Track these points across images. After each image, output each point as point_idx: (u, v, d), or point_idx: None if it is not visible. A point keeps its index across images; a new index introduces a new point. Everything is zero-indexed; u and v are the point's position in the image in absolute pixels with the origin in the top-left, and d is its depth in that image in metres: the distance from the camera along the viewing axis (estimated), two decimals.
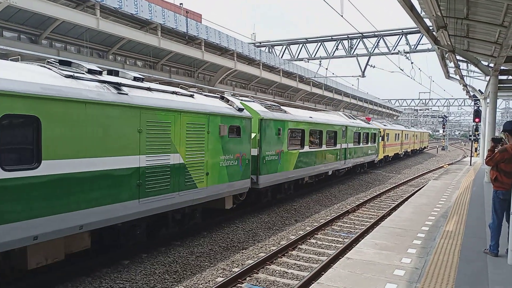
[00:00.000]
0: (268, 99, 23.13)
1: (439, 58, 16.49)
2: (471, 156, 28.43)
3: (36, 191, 5.90)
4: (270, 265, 8.48)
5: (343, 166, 20.42)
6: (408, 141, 40.24)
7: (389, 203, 16.09)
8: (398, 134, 35.17)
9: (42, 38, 15.11)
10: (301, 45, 29.37)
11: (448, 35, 11.31)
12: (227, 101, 11.39)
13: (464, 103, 65.62)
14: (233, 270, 8.10)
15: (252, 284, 7.47)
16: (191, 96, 9.76)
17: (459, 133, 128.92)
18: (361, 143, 23.16)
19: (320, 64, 26.95)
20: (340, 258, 6.75)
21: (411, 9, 9.10)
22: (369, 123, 26.10)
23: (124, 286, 7.15)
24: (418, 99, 67.61)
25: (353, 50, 27.58)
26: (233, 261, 8.67)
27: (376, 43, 26.97)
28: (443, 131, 68.26)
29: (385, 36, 26.90)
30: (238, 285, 7.39)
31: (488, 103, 19.26)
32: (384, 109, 62.71)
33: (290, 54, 29.77)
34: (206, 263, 8.64)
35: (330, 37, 28.52)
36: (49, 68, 6.82)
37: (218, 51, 20.41)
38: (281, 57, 28.78)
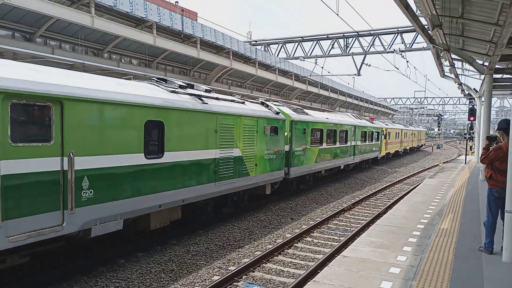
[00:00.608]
0: (293, 103, 25.06)
1: (434, 57, 16.54)
2: (466, 155, 28.58)
3: (161, 173, 8.40)
4: (266, 263, 8.48)
5: (353, 161, 22.90)
6: (407, 139, 42.38)
7: (384, 201, 16.15)
8: (398, 132, 37.41)
9: (36, 36, 15.02)
10: (297, 43, 29.36)
11: (443, 34, 11.35)
12: (267, 106, 13.86)
13: (459, 102, 65.99)
14: (229, 268, 8.10)
15: (249, 283, 7.47)
16: (243, 103, 12.20)
17: (454, 131, 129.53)
18: (367, 141, 25.54)
19: (316, 63, 26.94)
20: (336, 256, 6.77)
21: (406, 8, 9.11)
22: (373, 123, 28.17)
23: (120, 285, 7.13)
24: (414, 97, 67.86)
25: (348, 48, 27.61)
26: (229, 260, 8.68)
27: (371, 42, 27.03)
28: (438, 130, 68.60)
29: (381, 34, 26.96)
30: (235, 283, 7.39)
31: (483, 101, 19.35)
32: (379, 107, 62.87)
33: (286, 52, 29.76)
34: (202, 262, 8.63)
35: (326, 36, 28.53)
36: (157, 85, 9.22)
37: (213, 50, 20.37)
38: (277, 56, 28.78)
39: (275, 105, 14.73)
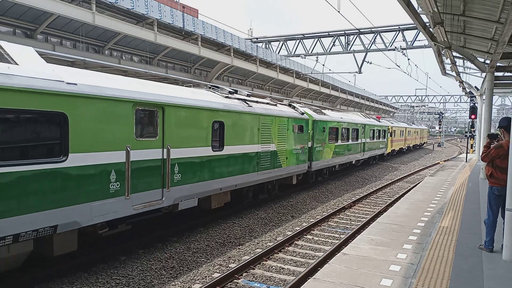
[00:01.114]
0: (314, 105, 27.57)
1: (435, 55, 16.50)
2: (466, 153, 28.55)
3: (222, 163, 10.47)
4: (267, 261, 8.50)
5: (362, 157, 24.90)
6: (411, 137, 44.37)
7: (385, 199, 16.15)
8: (403, 130, 39.38)
9: (37, 32, 15.00)
10: (298, 41, 29.29)
11: (445, 31, 11.33)
12: (294, 107, 15.72)
13: (460, 100, 65.85)
14: (229, 266, 8.11)
15: (249, 280, 7.49)
16: (275, 105, 14.33)
17: (455, 129, 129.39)
18: (375, 139, 27.46)
19: (317, 60, 26.91)
20: (336, 254, 6.78)
21: (407, 5, 9.09)
22: (379, 122, 30.18)
23: (120, 281, 7.15)
24: (415, 95, 67.73)
25: (350, 46, 27.55)
26: (229, 257, 8.69)
27: (373, 39, 26.97)
28: (439, 128, 68.52)
29: (382, 32, 26.89)
30: (235, 280, 7.40)
31: (484, 99, 19.32)
32: (380, 105, 62.78)
33: (287, 50, 29.71)
34: (203, 259, 8.65)
35: (327, 33, 28.46)
36: (213, 92, 11.26)
37: (214, 47, 20.34)
38: (278, 53, 28.72)
39: (300, 106, 16.97)
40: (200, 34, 18.12)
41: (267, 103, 13.74)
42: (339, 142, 20.20)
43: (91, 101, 6.88)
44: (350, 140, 21.98)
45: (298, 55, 28.85)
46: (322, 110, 19.47)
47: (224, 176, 10.66)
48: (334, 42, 27.89)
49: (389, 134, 32.32)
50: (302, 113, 15.73)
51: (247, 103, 11.93)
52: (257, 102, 12.81)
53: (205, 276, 7.55)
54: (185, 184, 9.11)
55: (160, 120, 8.38)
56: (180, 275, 7.72)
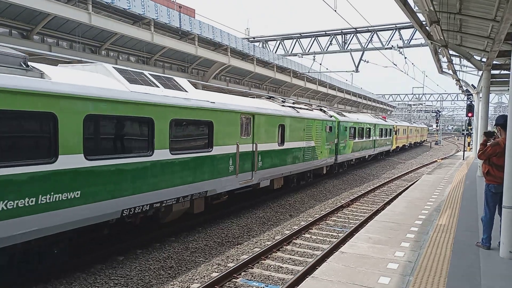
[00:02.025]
0: (338, 108, 31.27)
1: (432, 53, 16.54)
2: (464, 151, 28.63)
3: (283, 155, 14.11)
4: (265, 260, 8.51)
5: (373, 152, 28.65)
6: (412, 135, 48.27)
7: (382, 197, 16.18)
8: (405, 129, 43.24)
9: (33, 33, 14.95)
10: (295, 40, 29.29)
11: (441, 30, 11.35)
12: (324, 111, 19.45)
13: (457, 98, 65.98)
14: (228, 265, 8.12)
15: (248, 279, 7.50)
16: (312, 110, 17.94)
17: (452, 127, 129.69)
18: (383, 136, 31.06)
19: (314, 59, 26.91)
20: (335, 252, 6.79)
21: (404, 3, 9.12)
22: (386, 121, 33.81)
23: (119, 282, 7.15)
24: (412, 94, 67.84)
25: (346, 45, 27.57)
26: (228, 257, 8.70)
27: (369, 38, 26.99)
28: (437, 126, 68.68)
29: (379, 31, 26.92)
30: (234, 280, 7.41)
31: (480, 97, 19.37)
32: (378, 104, 62.85)
33: (284, 49, 29.69)
34: (201, 259, 8.65)
35: (324, 32, 28.48)
36: (272, 101, 14.86)
37: (211, 47, 20.32)
38: (275, 52, 28.69)
39: (328, 110, 21.13)
40: (197, 34, 18.10)
41: (306, 109, 17.15)
42: (356, 140, 23.82)
43: (222, 113, 10.65)
44: (364, 138, 25.51)
45: (295, 54, 28.84)
46: (343, 113, 23.46)
47: (284, 165, 14.44)
48: (331, 41, 27.91)
49: (394, 132, 35.82)
50: (331, 116, 19.70)
51: (296, 110, 15.65)
52: (300, 108, 16.41)
53: (204, 276, 7.56)
54: (264, 169, 12.92)
55: (251, 124, 12.11)
56: (178, 275, 7.72)
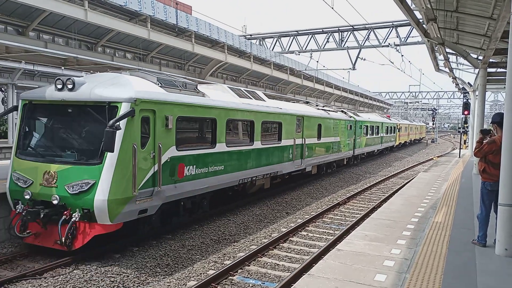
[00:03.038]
0: (352, 110, 35.95)
1: (428, 51, 16.56)
2: (460, 148, 28.73)
3: (320, 147, 18.04)
4: (262, 257, 8.51)
5: (381, 147, 32.77)
6: (412, 132, 52.72)
7: (379, 195, 16.22)
8: (407, 127, 47.66)
9: (29, 30, 14.85)
10: (292, 37, 29.25)
11: (438, 27, 11.36)
12: (345, 113, 23.42)
13: (454, 96, 66.21)
14: (224, 262, 8.11)
15: (244, 277, 7.50)
16: (336, 112, 21.69)
17: (448, 125, 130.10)
18: (388, 133, 35.10)
19: (311, 57, 26.89)
20: (331, 250, 6.80)
21: (401, 1, 9.11)
22: (390, 120, 38.01)
23: (115, 279, 7.12)
24: (408, 92, 68.03)
25: (343, 42, 27.56)
26: (224, 254, 8.69)
27: (366, 36, 26.98)
28: (433, 124, 68.93)
29: (376, 28, 26.91)
30: (230, 277, 7.41)
31: (477, 95, 19.42)
32: (374, 102, 62.92)
33: (281, 46, 29.66)
34: (198, 256, 8.65)
35: (321, 30, 28.44)
36: (309, 105, 18.83)
37: (208, 44, 20.25)
38: (272, 50, 28.64)
39: (348, 111, 25.34)
40: (194, 31, 18.03)
41: (332, 111, 21.15)
42: (368, 136, 27.77)
43: (286, 115, 14.53)
44: (374, 135, 29.59)
45: (292, 52, 28.81)
46: (357, 113, 27.63)
47: (320, 155, 18.44)
48: (328, 39, 27.88)
49: (397, 130, 39.72)
50: (350, 117, 23.61)
51: (327, 112, 19.64)
52: (330, 111, 20.51)
53: (200, 273, 7.55)
54: (309, 157, 16.88)
55: (301, 124, 15.95)
56: (175, 272, 7.71)
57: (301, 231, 10.61)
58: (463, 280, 5.09)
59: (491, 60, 15.09)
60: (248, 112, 12.11)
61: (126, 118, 7.60)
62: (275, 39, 29.88)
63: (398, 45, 25.35)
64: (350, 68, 26.38)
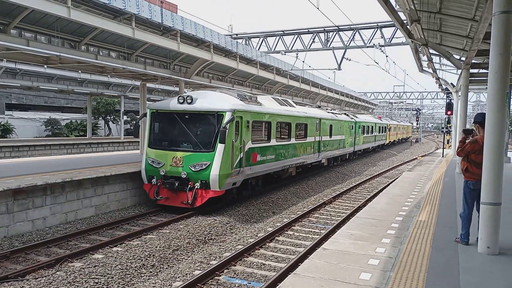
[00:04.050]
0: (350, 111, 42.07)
1: (412, 52, 16.74)
2: (443, 148, 29.16)
3: (331, 143, 22.45)
4: (248, 257, 8.50)
5: (374, 145, 37.31)
6: (400, 132, 57.48)
7: (364, 194, 16.36)
8: (395, 127, 52.56)
9: (10, 27, 14.51)
10: (277, 37, 29.25)
11: (422, 28, 11.50)
12: (347, 115, 27.57)
13: (437, 96, 67.04)
14: (210, 263, 8.08)
15: (230, 277, 7.48)
16: (341, 114, 25.55)
17: (432, 125, 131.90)
18: (380, 133, 39.75)
19: (297, 57, 26.93)
20: (317, 249, 6.82)
21: (385, 2, 9.19)
22: (381, 120, 42.51)
23: (99, 281, 7.04)
24: (393, 92, 68.66)
25: (329, 43, 27.66)
26: (210, 254, 8.66)
27: (352, 36, 27.14)
28: (417, 124, 69.86)
29: (361, 29, 27.08)
30: (216, 277, 7.38)
31: (459, 96, 19.72)
32: (360, 102, 63.43)
33: (267, 46, 29.61)
34: (184, 257, 8.60)
35: (306, 30, 28.51)
36: (321, 109, 23.29)
37: (194, 43, 20.13)
38: (258, 49, 28.58)
39: (350, 113, 30.47)
40: (179, 30, 17.89)
41: (338, 113, 25.36)
42: (365, 135, 32.19)
43: (309, 118, 18.60)
44: (369, 134, 34.02)
45: (278, 52, 28.78)
46: (356, 115, 31.81)
47: (332, 150, 22.52)
48: (313, 39, 27.95)
49: (388, 129, 44.10)
50: (351, 118, 27.79)
51: (335, 115, 23.99)
52: (337, 113, 24.83)
53: (186, 274, 7.50)
54: (324, 151, 20.89)
55: (319, 124, 19.82)
56: (160, 273, 7.66)
57: (287, 231, 10.64)
58: (446, 278, 5.16)
59: (473, 61, 15.34)
60: (288, 116, 16.31)
61: (229, 122, 11.49)
62: (261, 38, 29.85)
63: (382, 45, 25.58)
64: (335, 69, 26.49)
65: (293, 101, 20.55)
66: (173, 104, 12.37)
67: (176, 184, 11.66)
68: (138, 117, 22.03)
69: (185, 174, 11.67)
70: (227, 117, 11.61)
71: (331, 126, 22.08)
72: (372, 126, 35.16)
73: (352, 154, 28.95)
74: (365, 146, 33.04)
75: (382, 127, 40.77)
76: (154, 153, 12.25)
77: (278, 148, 15.23)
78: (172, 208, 11.92)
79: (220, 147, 11.51)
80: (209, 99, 12.35)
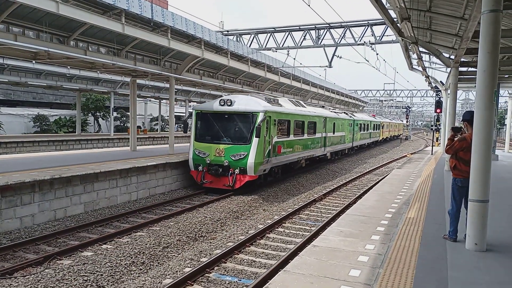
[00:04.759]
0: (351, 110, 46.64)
1: (402, 50, 16.83)
2: (432, 146, 29.43)
3: (335, 139, 25.75)
4: (238, 254, 8.50)
5: (369, 141, 40.57)
6: (392, 129, 60.54)
7: (354, 191, 16.45)
8: (388, 124, 55.93)
9: None
10: (269, 34, 29.23)
11: (412, 27, 11.56)
12: (347, 114, 30.55)
13: (427, 94, 67.58)
14: (201, 260, 8.07)
15: (221, 274, 7.47)
16: (341, 113, 28.88)
17: (421, 123, 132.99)
18: (375, 130, 43.05)
19: (288, 54, 26.93)
20: (307, 246, 6.84)
21: (376, 0, 9.21)
22: (375, 118, 45.69)
23: (88, 278, 6.99)
24: (383, 90, 69.03)
25: (320, 40, 27.71)
26: (201, 251, 8.64)
27: (342, 34, 27.21)
28: (407, 122, 70.38)
29: (352, 27, 27.15)
30: (206, 275, 7.37)
31: (449, 94, 19.90)
32: (350, 99, 63.69)
33: (258, 43, 29.57)
34: (174, 254, 8.57)
35: (297, 27, 28.53)
36: (326, 109, 26.84)
37: (185, 39, 20.01)
38: (249, 46, 28.50)
39: (350, 111, 34.79)
40: (170, 26, 17.77)
41: (340, 112, 28.66)
42: (361, 132, 35.13)
43: (317, 117, 21.58)
44: (365, 131, 37.24)
45: (269, 49, 28.74)
46: (354, 114, 35.32)
47: (334, 145, 25.42)
48: (304, 36, 27.96)
49: (381, 127, 47.57)
50: (350, 116, 30.83)
51: (337, 114, 26.70)
52: (339, 112, 27.89)
53: (176, 271, 7.48)
54: (328, 146, 23.49)
55: (325, 122, 22.47)
56: (150, 270, 7.63)
57: (277, 228, 10.66)
58: (434, 274, 5.21)
59: (462, 59, 15.47)
60: (302, 115, 19.17)
61: (262, 120, 14.33)
62: (252, 35, 29.79)
63: (373, 43, 25.67)
64: (326, 66, 26.56)
65: (304, 102, 24.36)
66: (215, 106, 15.19)
67: (220, 170, 14.45)
68: (128, 113, 25.40)
69: (226, 162, 14.44)
70: (260, 116, 14.41)
71: (334, 124, 24.96)
72: (368, 124, 38.41)
73: (350, 149, 31.94)
74: (362, 142, 36.14)
75: (376, 124, 44.06)
76: (200, 145, 15.03)
77: (295, 142, 18.14)
78: (214, 190, 14.62)
79: (255, 140, 14.35)
80: (245, 102, 15.10)
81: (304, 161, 20.63)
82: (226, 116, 15.02)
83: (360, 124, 34.69)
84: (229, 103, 14.89)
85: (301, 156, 19.30)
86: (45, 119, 39.66)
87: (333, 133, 24.83)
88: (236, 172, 14.26)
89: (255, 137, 14.22)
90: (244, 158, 14.24)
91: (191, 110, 16.28)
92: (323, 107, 27.85)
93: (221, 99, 15.09)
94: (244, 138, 14.59)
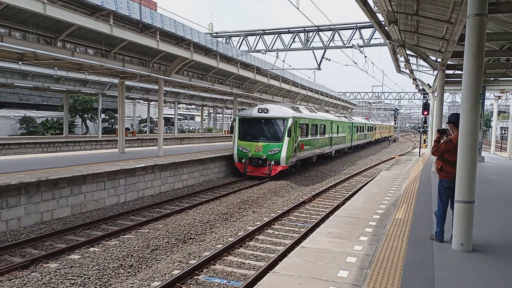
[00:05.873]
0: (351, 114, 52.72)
1: (390, 53, 17.00)
2: (420, 148, 29.73)
3: (338, 139, 30.75)
4: (228, 256, 8.49)
5: (364, 141, 44.67)
6: (383, 131, 64.70)
7: (343, 193, 16.54)
8: (380, 126, 59.95)
9: None
10: (258, 36, 29.31)
11: (399, 30, 11.69)
12: (346, 117, 35.24)
13: (414, 97, 68.27)
14: (190, 262, 8.04)
15: (210, 276, 7.45)
16: (342, 117, 34.12)
17: (409, 125, 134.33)
18: (369, 131, 47.67)
19: (277, 56, 27.02)
20: (296, 248, 6.86)
21: (364, 3, 9.30)
22: (369, 121, 50.89)
23: (75, 281, 6.91)
24: (372, 92, 69.66)
25: (309, 43, 27.86)
26: (190, 253, 8.61)
27: (331, 37, 27.40)
28: (395, 124, 71.10)
29: (340, 30, 27.36)
30: (195, 277, 7.35)
31: (435, 96, 20.14)
32: (339, 101, 64.05)
33: (247, 45, 29.63)
34: (162, 256, 8.52)
35: (287, 30, 28.65)
36: (330, 114, 32.68)
37: (174, 41, 19.95)
38: (239, 48, 28.53)
39: (349, 115, 42.46)
40: (158, 27, 17.70)
41: (341, 116, 33.09)
42: (358, 133, 39.27)
43: (326, 121, 26.50)
44: (361, 132, 41.63)
45: (258, 51, 28.82)
46: (352, 117, 40.89)
47: (338, 144, 29.78)
48: (293, 39, 28.10)
49: (374, 129, 51.73)
50: (349, 120, 34.93)
51: (339, 117, 30.84)
52: (340, 116, 32.34)
53: (165, 273, 7.44)
54: (333, 145, 28.26)
55: (331, 125, 27.32)
56: (138, 273, 7.57)
57: (267, 229, 10.67)
58: (422, 274, 5.27)
59: (449, 62, 15.67)
60: (316, 120, 23.71)
61: (291, 124, 18.59)
62: (242, 37, 29.84)
63: (361, 46, 25.89)
64: (315, 68, 26.69)
65: (315, 109, 29.14)
66: (254, 112, 19.76)
67: (260, 162, 18.80)
68: (116, 115, 25.94)
69: (264, 156, 18.76)
70: (290, 121, 18.89)
71: (338, 126, 29.61)
72: (363, 126, 43.63)
73: (349, 148, 36.50)
74: (358, 142, 40.80)
75: (370, 127, 49.36)
76: (243, 143, 19.43)
77: (312, 141, 22.64)
78: (254, 177, 18.74)
79: (286, 139, 18.71)
80: (277, 109, 19.75)
81: (316, 157, 24.77)
82: (263, 120, 19.39)
83: (357, 126, 39.40)
84: (266, 111, 19.43)
85: (315, 152, 23.80)
86: (32, 121, 39.17)
87: (337, 134, 29.50)
88: (272, 164, 18.51)
89: (287, 136, 18.64)
90: (278, 153, 18.58)
91: (235, 116, 20.88)
92: (327, 112, 34.82)
93: (259, 108, 19.71)
94: (278, 137, 18.93)
